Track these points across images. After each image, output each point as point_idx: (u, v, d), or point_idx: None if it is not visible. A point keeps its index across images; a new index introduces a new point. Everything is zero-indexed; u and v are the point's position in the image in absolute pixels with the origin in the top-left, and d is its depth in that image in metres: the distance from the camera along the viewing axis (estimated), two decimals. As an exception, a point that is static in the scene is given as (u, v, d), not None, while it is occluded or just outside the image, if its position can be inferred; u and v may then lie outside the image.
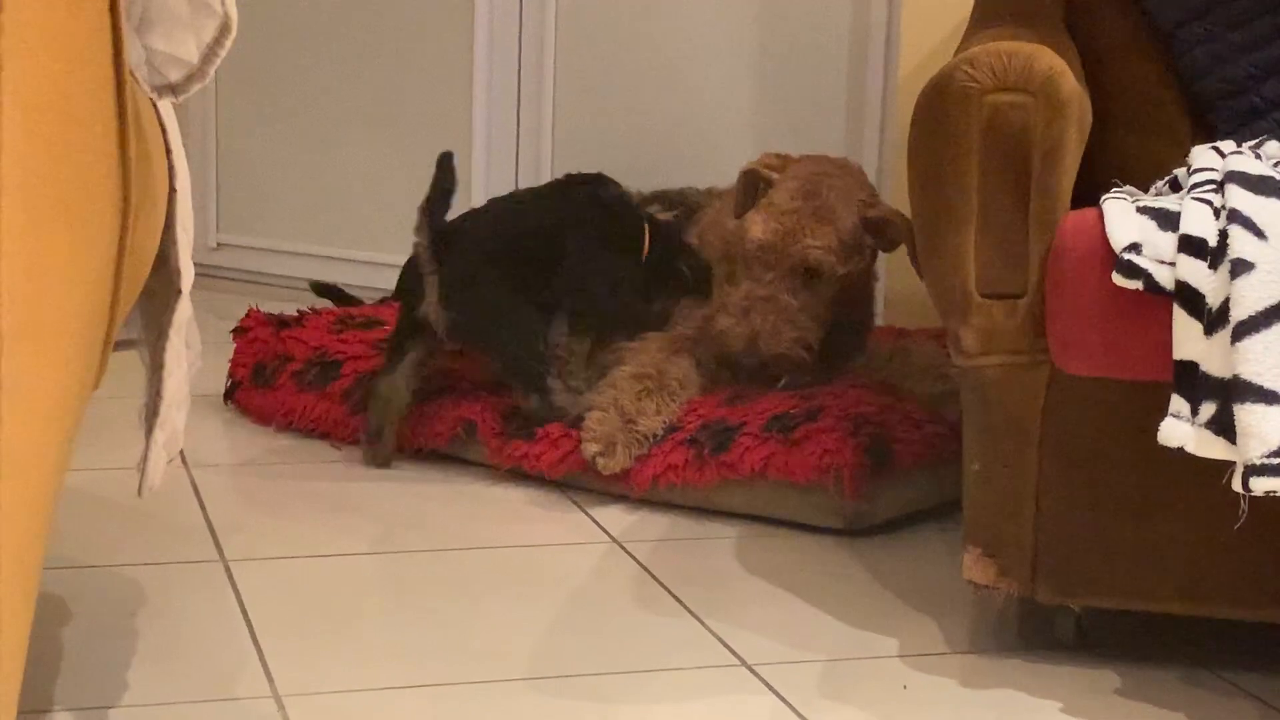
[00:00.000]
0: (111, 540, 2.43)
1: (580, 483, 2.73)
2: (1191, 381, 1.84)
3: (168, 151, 1.72)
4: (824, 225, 2.74)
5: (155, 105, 1.69)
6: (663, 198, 3.15)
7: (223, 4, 1.58)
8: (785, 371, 2.76)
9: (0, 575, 1.28)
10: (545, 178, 3.76)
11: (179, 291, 1.80)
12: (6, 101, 1.20)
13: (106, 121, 1.42)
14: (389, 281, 3.90)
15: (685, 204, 3.14)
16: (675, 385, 2.74)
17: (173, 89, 1.64)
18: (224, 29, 1.59)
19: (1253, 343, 1.79)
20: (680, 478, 2.63)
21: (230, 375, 3.12)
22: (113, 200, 1.47)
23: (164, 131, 1.71)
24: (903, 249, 2.74)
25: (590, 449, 2.65)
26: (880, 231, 2.79)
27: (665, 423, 2.69)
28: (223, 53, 1.60)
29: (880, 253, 2.87)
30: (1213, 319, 1.84)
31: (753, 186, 2.86)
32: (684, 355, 2.82)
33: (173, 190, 1.74)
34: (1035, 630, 2.17)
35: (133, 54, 1.56)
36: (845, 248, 2.76)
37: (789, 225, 2.74)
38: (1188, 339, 1.85)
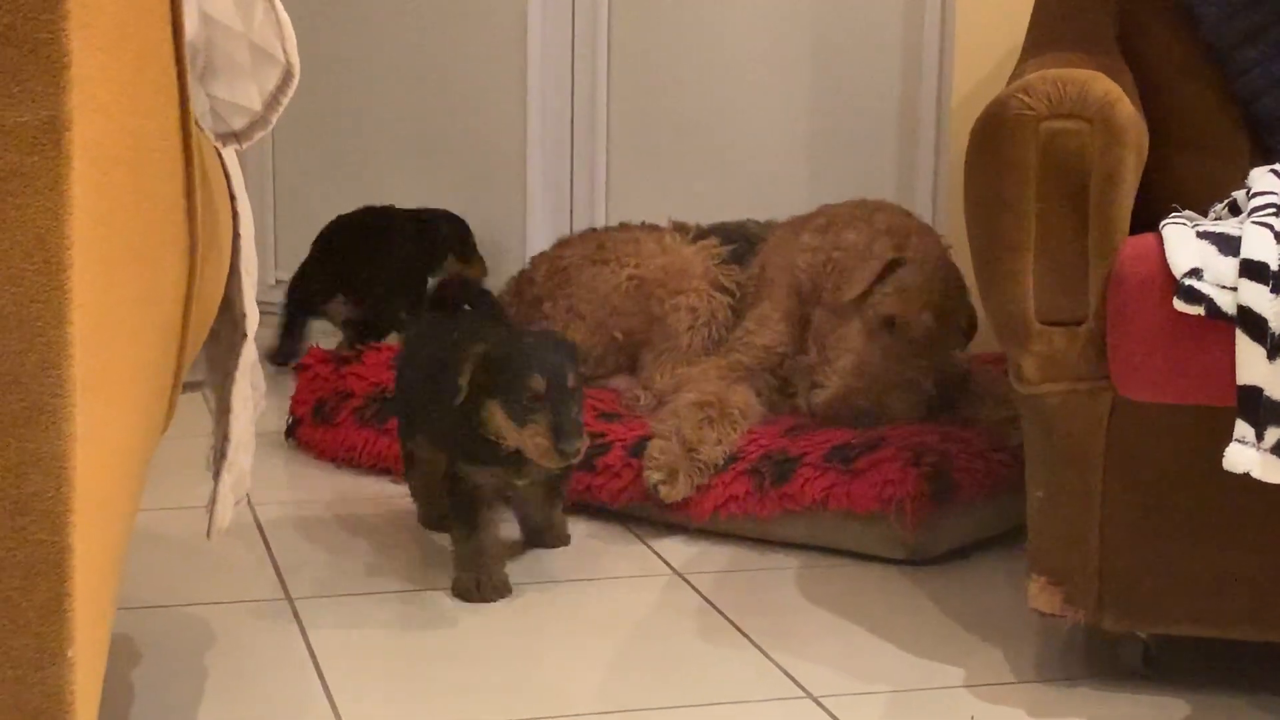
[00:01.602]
0: (178, 580, 2.45)
1: (640, 513, 2.73)
2: (1256, 406, 1.84)
3: (231, 198, 1.74)
4: (949, 299, 2.84)
5: (219, 152, 1.71)
6: (721, 230, 3.16)
7: (285, 53, 1.60)
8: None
9: (75, 619, 1.30)
10: (600, 217, 3.79)
11: (244, 335, 1.82)
12: (77, 156, 1.22)
13: (173, 171, 1.44)
14: (446, 316, 3.96)
15: (745, 237, 3.14)
16: (737, 414, 2.75)
17: (236, 136, 1.66)
18: (287, 77, 1.61)
19: (1318, 368, 1.78)
20: (741, 508, 2.64)
21: (291, 413, 3.14)
22: (180, 248, 1.49)
23: (228, 178, 1.73)
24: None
25: (653, 477, 2.66)
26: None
27: (726, 452, 2.69)
28: (285, 100, 1.62)
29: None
30: (1276, 343, 1.83)
31: (884, 271, 2.86)
32: (744, 383, 2.83)
33: (237, 235, 1.76)
34: (1102, 658, 2.16)
35: (197, 103, 1.58)
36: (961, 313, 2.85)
37: (922, 296, 2.81)
38: (1251, 364, 1.84)
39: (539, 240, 3.72)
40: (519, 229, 3.93)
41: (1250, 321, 1.85)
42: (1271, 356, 1.83)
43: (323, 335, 3.56)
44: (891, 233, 2.90)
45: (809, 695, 2.08)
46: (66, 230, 1.23)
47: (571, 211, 3.88)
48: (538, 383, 2.30)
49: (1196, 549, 2.02)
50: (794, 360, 2.93)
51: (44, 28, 1.20)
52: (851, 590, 2.48)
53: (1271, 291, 1.86)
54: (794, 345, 2.92)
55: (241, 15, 1.57)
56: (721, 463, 2.68)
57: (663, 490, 2.65)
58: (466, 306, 2.70)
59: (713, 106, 3.74)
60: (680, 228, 3.20)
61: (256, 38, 1.58)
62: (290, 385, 3.15)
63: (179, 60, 1.43)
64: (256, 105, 1.63)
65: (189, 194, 1.49)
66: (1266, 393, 1.83)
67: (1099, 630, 2.10)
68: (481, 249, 3.87)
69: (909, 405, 2.78)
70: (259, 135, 1.66)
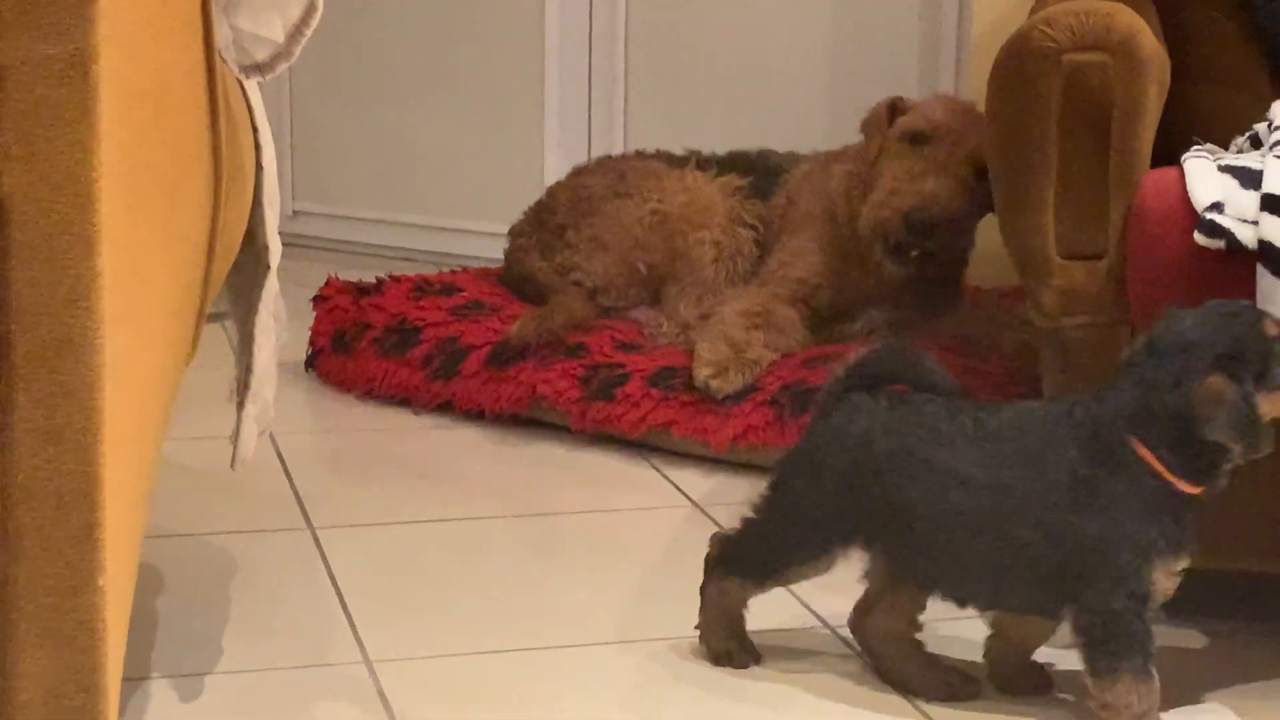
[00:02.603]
0: (201, 509, 2.47)
1: (659, 443, 2.75)
2: (1278, 342, 1.84)
3: (254, 130, 1.74)
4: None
5: (242, 84, 1.71)
6: (741, 159, 3.16)
7: (309, -15, 1.60)
8: (933, 250, 2.80)
9: (105, 547, 1.32)
10: (619, 144, 3.78)
11: (267, 267, 1.83)
12: (104, 89, 1.23)
13: (198, 104, 1.45)
14: (465, 247, 3.97)
15: (766, 168, 3.14)
16: (783, 322, 2.79)
17: (259, 69, 1.66)
18: (311, 8, 1.61)
19: (1339, 302, 1.78)
20: (760, 438, 2.65)
21: (311, 344, 3.15)
22: (205, 181, 1.50)
23: (250, 110, 1.73)
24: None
25: (702, 373, 2.69)
26: None
27: (773, 357, 2.72)
28: (309, 32, 1.62)
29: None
30: (1299, 278, 1.83)
31: (893, 113, 2.89)
32: (786, 304, 2.86)
33: (259, 168, 1.77)
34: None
35: (220, 35, 1.58)
36: None
37: (966, 116, 2.81)
38: (1273, 298, 1.84)
39: (555, 172, 3.71)
40: (537, 159, 3.92)
41: (1272, 256, 1.85)
42: (1293, 291, 1.84)
43: (342, 267, 3.57)
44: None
45: (825, 624, 2.10)
46: (94, 163, 1.24)
47: (589, 141, 3.87)
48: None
49: (1214, 482, 2.02)
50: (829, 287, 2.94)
51: (71, -39, 1.20)
52: (869, 522, 2.49)
53: (1294, 226, 1.86)
54: (830, 277, 2.93)
55: (265, -53, 1.57)
56: (767, 364, 2.70)
57: (714, 384, 2.67)
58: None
59: (731, 35, 3.72)
60: (697, 157, 3.20)
61: (280, -31, 1.58)
62: (310, 316, 3.16)
63: (204, -8, 1.43)
64: (280, 37, 1.63)
65: (213, 127, 1.49)
66: (1289, 326, 1.83)
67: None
68: (500, 183, 3.87)
69: (952, 196, 2.78)
70: (282, 67, 1.66)
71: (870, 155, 2.92)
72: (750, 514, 1.96)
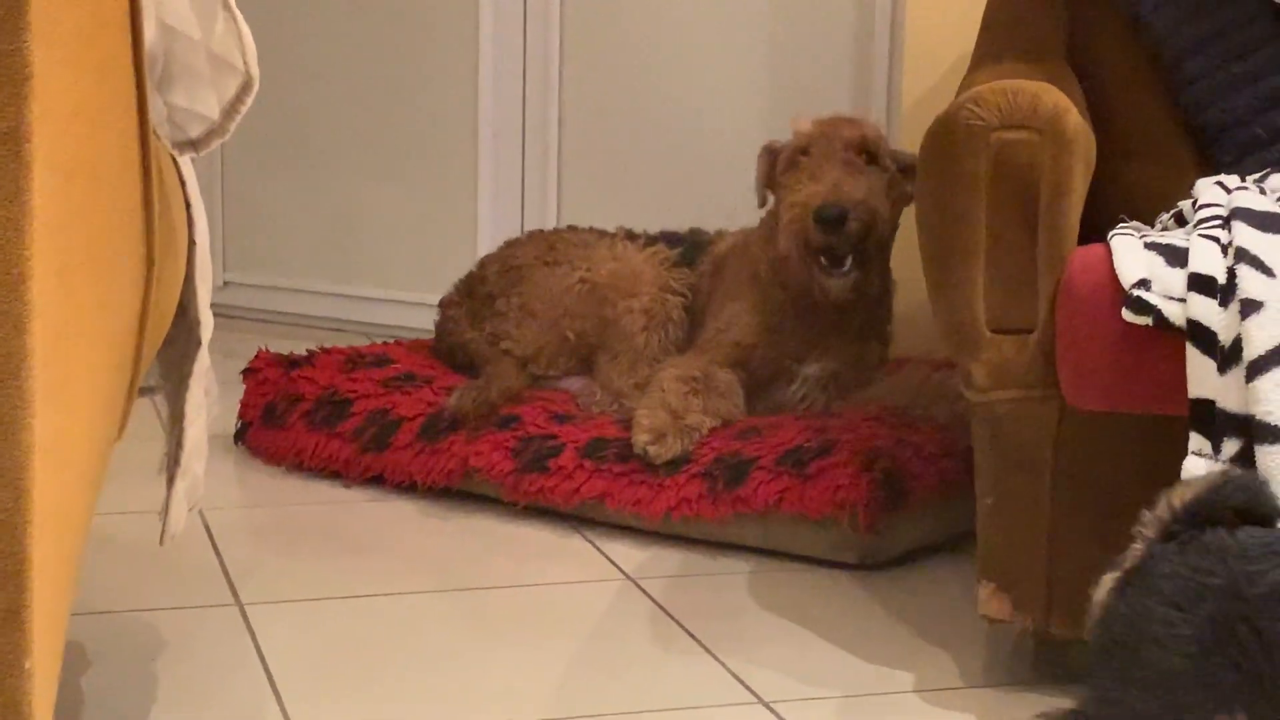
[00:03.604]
0: (127, 585, 2.44)
1: (592, 515, 2.74)
2: (1210, 419, 1.86)
3: (187, 206, 1.74)
4: (864, 121, 2.89)
5: (175, 160, 1.70)
6: (671, 237, 3.18)
7: (245, 62, 1.60)
8: (858, 243, 2.81)
9: (32, 629, 1.30)
10: (551, 219, 3.79)
11: (199, 341, 1.82)
12: (37, 166, 1.22)
13: (131, 181, 1.44)
14: (396, 318, 3.96)
15: (693, 241, 3.16)
16: (723, 386, 2.79)
17: (194, 144, 1.66)
18: (246, 86, 1.61)
19: (1264, 382, 1.80)
20: (694, 510, 2.65)
21: (241, 416, 3.13)
22: (138, 257, 1.49)
23: (183, 185, 1.73)
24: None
25: (641, 439, 2.68)
26: (906, 170, 2.86)
27: (712, 423, 2.73)
28: (244, 109, 1.62)
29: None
30: (1226, 356, 1.86)
31: (772, 155, 2.92)
32: (724, 369, 2.87)
33: (192, 243, 1.76)
34: (1050, 663, 2.18)
35: (154, 112, 1.57)
36: (887, 146, 2.88)
37: (833, 118, 2.87)
38: (1202, 377, 1.87)
39: (488, 244, 3.72)
40: (470, 231, 3.93)
41: (1200, 335, 1.88)
42: (1222, 370, 1.86)
43: (273, 338, 3.55)
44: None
45: (760, 700, 2.09)
46: (26, 240, 1.23)
47: (523, 217, 3.88)
48: None
49: (1144, 556, 2.04)
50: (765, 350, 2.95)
51: (6, 39, 1.20)
52: (803, 594, 2.49)
53: (1220, 305, 1.88)
54: (765, 335, 2.94)
55: (201, 24, 1.56)
56: (706, 431, 2.70)
57: (652, 450, 2.67)
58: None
59: (665, 112, 3.75)
60: (628, 233, 3.22)
61: (216, 46, 1.58)
62: (240, 388, 3.14)
63: (138, 70, 1.43)
64: (215, 114, 1.63)
65: (146, 203, 1.49)
66: (1219, 404, 1.86)
67: (1047, 635, 2.12)
68: (432, 255, 3.87)
69: (849, 181, 2.80)
70: (216, 143, 1.66)
71: (763, 200, 2.97)
72: (1078, 709, 1.60)
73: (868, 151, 2.84)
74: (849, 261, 2.83)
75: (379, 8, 4.00)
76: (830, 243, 2.80)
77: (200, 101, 1.62)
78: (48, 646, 1.37)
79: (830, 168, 2.82)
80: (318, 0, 4.06)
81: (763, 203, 2.97)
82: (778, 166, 2.92)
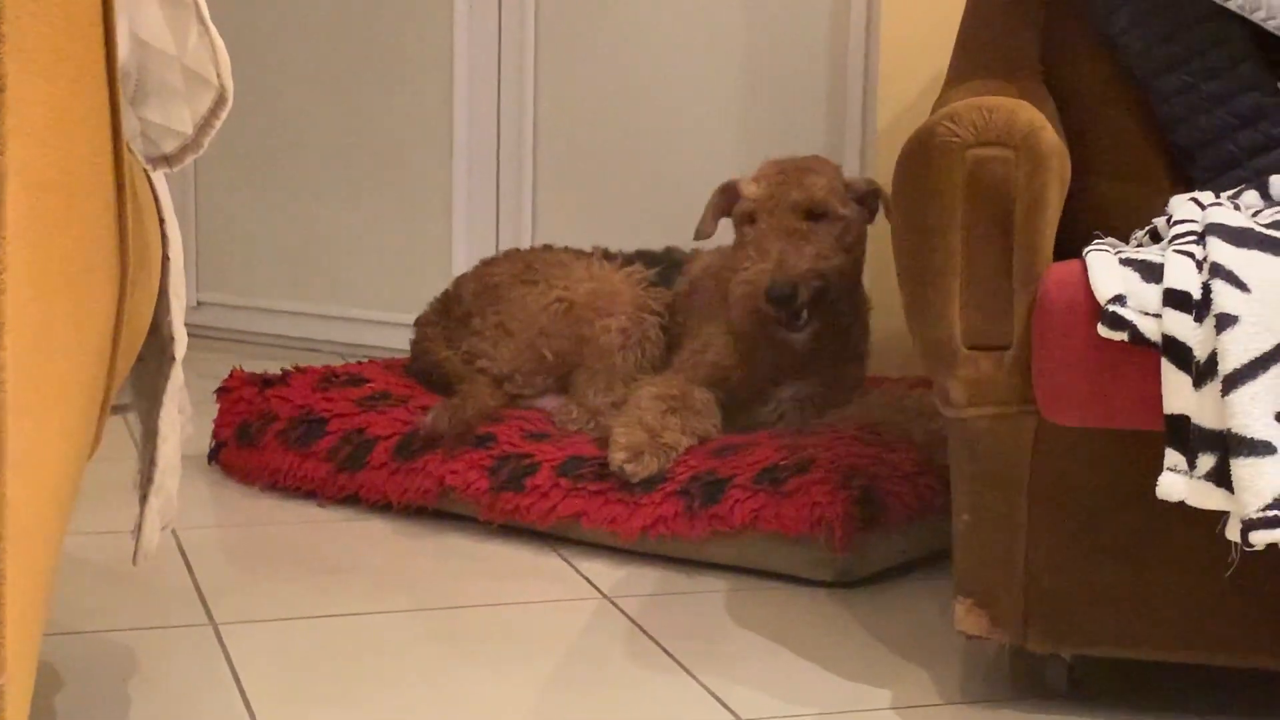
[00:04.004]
0: (100, 605, 2.42)
1: (568, 534, 2.74)
2: (1185, 435, 1.86)
3: (161, 222, 1.73)
4: (813, 174, 2.87)
5: (149, 176, 1.70)
6: (646, 256, 3.18)
7: (218, 76, 1.59)
8: (814, 303, 2.81)
9: (6, 646, 1.28)
10: (526, 238, 3.79)
11: (172, 359, 1.81)
12: (11, 180, 1.21)
13: (105, 195, 1.43)
14: (371, 338, 3.96)
15: (670, 261, 3.17)
16: (699, 405, 2.79)
17: (167, 160, 1.65)
18: (219, 101, 1.60)
19: (1240, 395, 1.81)
20: (670, 529, 2.65)
21: (214, 436, 3.12)
22: (111, 272, 1.48)
23: (157, 201, 1.72)
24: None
25: (618, 457, 2.67)
26: (863, 200, 2.88)
27: (688, 442, 2.73)
28: (218, 123, 1.61)
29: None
30: (1201, 371, 1.86)
31: (727, 195, 2.92)
32: (701, 388, 2.87)
33: (166, 259, 1.75)
34: (1028, 679, 2.18)
35: (128, 127, 1.57)
36: (838, 193, 2.86)
37: (781, 177, 2.85)
38: (1177, 392, 1.87)
39: (463, 264, 3.72)
40: (445, 251, 3.92)
41: (1175, 351, 1.88)
42: (1197, 385, 1.86)
43: (247, 358, 3.54)
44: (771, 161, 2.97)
45: (738, 718, 2.09)
46: (1, 253, 1.22)
47: (497, 236, 3.88)
48: None
49: (1121, 571, 2.04)
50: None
51: (-22, 52, 1.19)
52: (779, 612, 2.49)
53: (1195, 320, 1.89)
54: (741, 358, 2.93)
55: (175, 39, 1.56)
56: (683, 449, 2.70)
57: (628, 469, 2.66)
58: None
59: (640, 130, 3.75)
60: (604, 252, 3.22)
61: (190, 61, 1.57)
62: (214, 407, 3.13)
63: (111, 84, 1.42)
64: (188, 129, 1.62)
65: (120, 218, 1.48)
66: (1195, 420, 1.86)
67: (1024, 652, 2.12)
68: (406, 274, 3.87)
69: (794, 254, 2.79)
70: (190, 158, 1.65)
71: (706, 233, 2.97)
72: None
73: (813, 213, 2.83)
74: (804, 316, 2.83)
75: (354, 26, 4.00)
76: (783, 315, 2.81)
77: (174, 117, 1.61)
78: (21, 664, 1.36)
79: (775, 240, 2.81)
80: (293, 18, 4.05)
81: (700, 236, 2.96)
82: (733, 218, 2.91)
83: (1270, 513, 1.76)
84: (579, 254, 3.23)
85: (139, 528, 1.86)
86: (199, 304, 4.15)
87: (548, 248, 3.30)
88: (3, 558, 1.25)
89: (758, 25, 3.62)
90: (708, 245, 3.11)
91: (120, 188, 1.47)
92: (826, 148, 3.53)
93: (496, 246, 3.80)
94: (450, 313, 3.21)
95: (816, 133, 3.54)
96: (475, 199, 3.90)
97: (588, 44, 3.78)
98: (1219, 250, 1.93)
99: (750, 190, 2.88)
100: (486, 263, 3.29)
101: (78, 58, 1.36)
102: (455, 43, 3.85)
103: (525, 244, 3.72)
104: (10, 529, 1.26)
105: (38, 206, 1.29)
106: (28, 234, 1.26)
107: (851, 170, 3.51)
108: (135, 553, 1.87)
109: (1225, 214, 2.04)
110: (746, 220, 2.88)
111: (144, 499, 1.85)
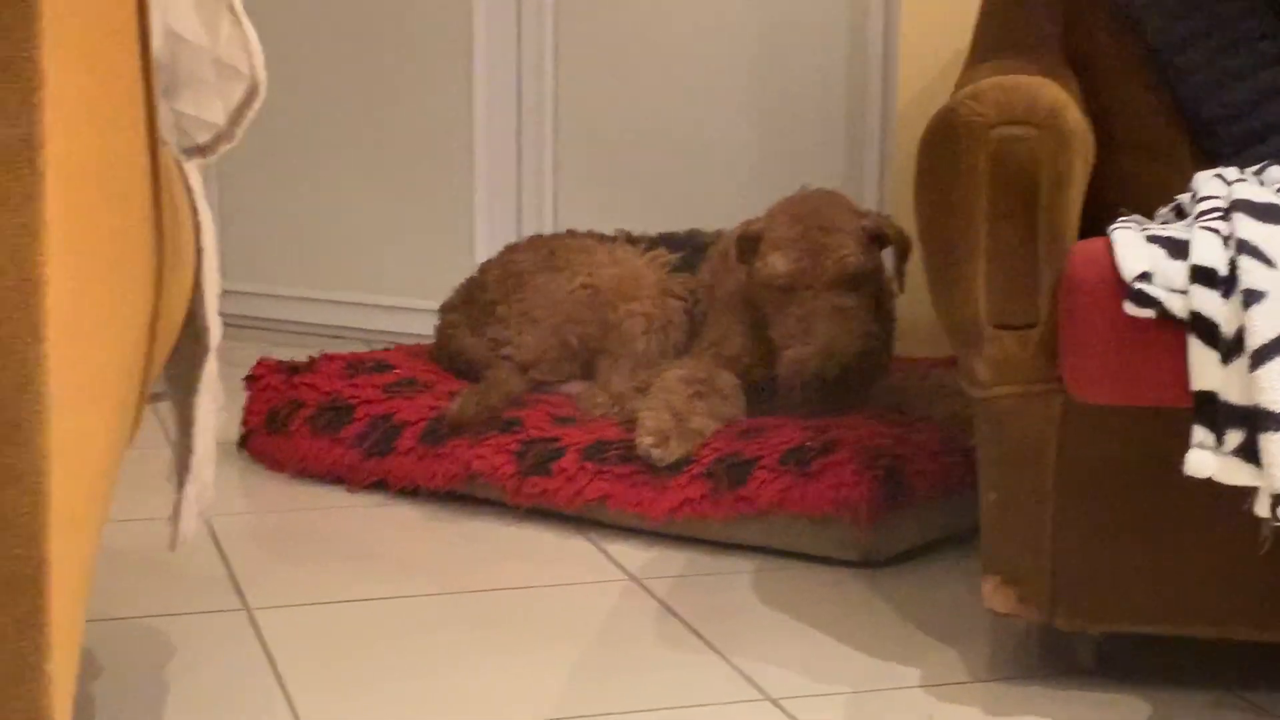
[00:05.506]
0: (134, 592, 2.44)
1: (596, 517, 2.75)
2: (1212, 411, 1.87)
3: (194, 212, 1.74)
4: (839, 234, 2.82)
5: (182, 167, 1.71)
6: (670, 239, 3.19)
7: (251, 67, 1.61)
8: (865, 377, 2.83)
9: (51, 633, 1.30)
10: (549, 224, 3.80)
11: (207, 348, 1.83)
12: (50, 174, 1.23)
13: (141, 187, 1.45)
14: (396, 324, 3.97)
15: (694, 244, 3.17)
16: (727, 389, 2.80)
17: (201, 151, 1.67)
18: (252, 91, 1.62)
19: (1268, 370, 1.81)
20: (697, 511, 2.66)
21: (244, 423, 3.14)
22: (148, 263, 1.50)
23: (190, 192, 1.74)
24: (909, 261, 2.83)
25: (645, 441, 2.68)
26: (878, 239, 2.87)
27: (715, 426, 2.74)
28: (251, 114, 1.63)
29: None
30: (1229, 347, 1.87)
31: (747, 244, 2.90)
32: (727, 372, 2.88)
33: (199, 250, 1.77)
34: (1056, 657, 2.19)
35: (162, 118, 1.58)
36: (863, 246, 2.84)
37: (807, 244, 2.80)
38: (1205, 369, 1.88)
39: (486, 249, 3.73)
40: (467, 237, 3.94)
41: (1202, 327, 1.89)
42: (1225, 360, 1.87)
43: (273, 346, 3.55)
44: (786, 210, 2.93)
45: (768, 698, 2.10)
46: (41, 248, 1.24)
47: (519, 221, 3.89)
48: None
49: (1149, 548, 2.05)
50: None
51: (18, 48, 1.21)
52: (807, 592, 2.50)
53: (1222, 296, 1.89)
54: (761, 354, 2.94)
55: (207, 31, 1.57)
56: (710, 434, 2.71)
57: (655, 453, 2.67)
58: None
59: (659, 116, 3.76)
60: (627, 235, 3.23)
61: (222, 53, 1.59)
62: (242, 395, 3.15)
63: (146, 77, 1.43)
64: (221, 120, 1.64)
65: (155, 210, 1.49)
66: (1222, 396, 1.87)
67: (1052, 629, 2.13)
68: (429, 260, 3.88)
69: (843, 332, 2.78)
70: (223, 149, 1.67)
71: (715, 270, 2.99)
72: None
73: (850, 285, 2.83)
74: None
75: (376, 17, 4.01)
76: (832, 384, 2.81)
77: (207, 108, 1.63)
78: (66, 651, 1.38)
79: (820, 321, 2.79)
80: (316, 10, 4.07)
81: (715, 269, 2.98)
82: (757, 276, 2.87)
83: (1301, 487, 1.77)
84: (602, 238, 3.24)
85: (176, 514, 1.88)
86: (225, 292, 4.15)
87: (571, 232, 3.31)
88: (48, 545, 1.27)
89: (774, 8, 3.62)
90: (729, 225, 3.11)
91: (155, 180, 1.48)
92: (847, 125, 3.54)
93: (518, 232, 3.82)
94: (475, 299, 3.22)
95: (837, 109, 3.55)
96: (497, 186, 3.91)
97: (607, 28, 3.79)
98: (1245, 226, 1.94)
99: (780, 266, 2.83)
100: (510, 249, 3.30)
101: (113, 52, 1.38)
102: (475, 31, 3.86)
103: (547, 228, 3.73)
104: (54, 518, 1.28)
105: (76, 200, 1.31)
106: (67, 227, 1.28)
107: (872, 154, 3.52)
108: (173, 538, 1.89)
109: (1251, 190, 2.05)
110: (779, 290, 2.85)
111: (181, 485, 1.87)
